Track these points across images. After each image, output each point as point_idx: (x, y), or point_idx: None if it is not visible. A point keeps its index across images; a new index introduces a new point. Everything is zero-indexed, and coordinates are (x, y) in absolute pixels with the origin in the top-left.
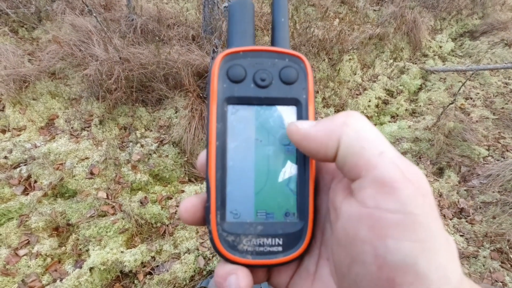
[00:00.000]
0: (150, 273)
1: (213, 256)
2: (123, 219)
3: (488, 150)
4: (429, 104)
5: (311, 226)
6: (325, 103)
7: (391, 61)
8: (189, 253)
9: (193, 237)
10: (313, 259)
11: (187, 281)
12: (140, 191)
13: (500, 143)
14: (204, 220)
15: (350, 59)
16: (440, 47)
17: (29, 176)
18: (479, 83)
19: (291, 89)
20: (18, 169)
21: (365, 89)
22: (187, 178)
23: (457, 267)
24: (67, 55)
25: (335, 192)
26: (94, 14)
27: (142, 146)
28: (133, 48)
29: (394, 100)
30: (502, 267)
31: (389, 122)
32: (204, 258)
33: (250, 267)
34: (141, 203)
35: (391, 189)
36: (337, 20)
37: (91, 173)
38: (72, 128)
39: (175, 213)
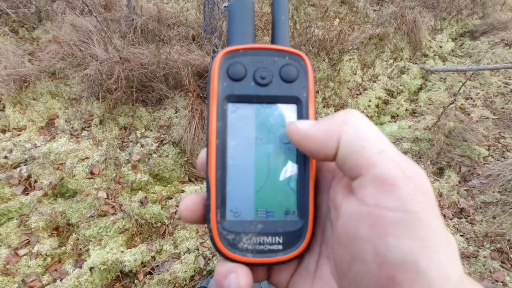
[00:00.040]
0: (150, 273)
1: (213, 256)
2: (123, 219)
3: (488, 150)
4: (429, 104)
5: (312, 225)
6: (325, 103)
7: (391, 61)
8: (189, 253)
9: (193, 237)
10: (314, 257)
11: (187, 281)
12: (140, 191)
13: (500, 143)
14: (204, 219)
15: (350, 59)
16: (440, 47)
17: (29, 176)
18: (479, 83)
19: (291, 87)
20: (18, 169)
21: (365, 89)
22: (187, 178)
23: (458, 265)
24: (67, 55)
25: (336, 191)
26: (94, 14)
27: (142, 146)
28: (133, 48)
29: (394, 100)
30: (502, 267)
31: (389, 122)
32: (204, 258)
33: (250, 265)
34: (141, 203)
35: (391, 187)
36: (337, 20)
37: (91, 173)
38: (72, 128)
39: (175, 213)
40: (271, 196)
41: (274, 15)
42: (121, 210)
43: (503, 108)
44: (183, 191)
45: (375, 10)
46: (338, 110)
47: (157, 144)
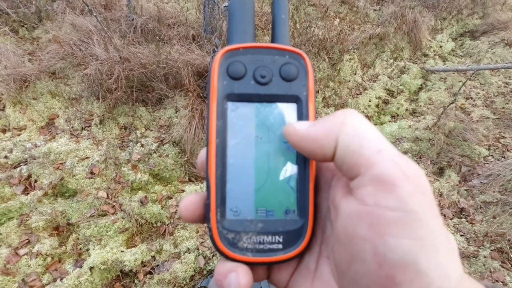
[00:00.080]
0: (150, 273)
1: (213, 256)
2: (123, 218)
3: (488, 149)
4: (430, 104)
5: (311, 224)
6: (325, 102)
7: (392, 60)
8: (189, 253)
9: (193, 236)
10: (314, 257)
11: (187, 281)
12: (140, 191)
13: (501, 143)
14: (204, 218)
15: (350, 58)
16: (441, 46)
17: (29, 176)
18: (479, 83)
19: (291, 86)
20: (18, 169)
21: (365, 89)
22: (187, 177)
23: (458, 265)
24: (67, 54)
25: (335, 190)
26: (95, 14)
27: (142, 145)
28: (133, 47)
29: (394, 100)
30: (503, 266)
31: (390, 122)
32: (204, 258)
33: (250, 264)
34: (141, 202)
35: (390, 186)
36: (338, 19)
37: (91, 173)
38: (72, 127)
39: (175, 212)
40: (271, 195)
41: (274, 14)
42: (121, 210)
43: (503, 108)
44: (183, 190)
45: (375, 10)
46: (338, 109)
47: (157, 143)
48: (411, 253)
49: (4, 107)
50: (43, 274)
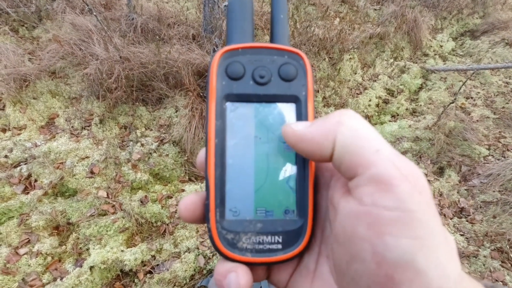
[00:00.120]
0: (150, 272)
1: (213, 255)
2: (124, 218)
3: (488, 149)
4: (430, 104)
5: (311, 224)
6: (325, 102)
7: (392, 60)
8: (189, 252)
9: (193, 236)
10: (313, 256)
11: (187, 280)
12: (140, 190)
13: (501, 143)
14: (203, 218)
15: (350, 58)
16: (441, 46)
17: (29, 175)
18: (479, 83)
19: (290, 86)
20: (18, 168)
21: (365, 89)
22: (187, 177)
23: (457, 264)
24: (67, 54)
25: (334, 190)
26: (94, 13)
27: (142, 145)
28: (134, 47)
29: (394, 100)
30: (503, 266)
31: (390, 121)
32: (204, 257)
33: (249, 265)
34: (141, 202)
35: (388, 186)
36: (338, 19)
37: (92, 172)
38: (72, 127)
39: (175, 212)
40: (271, 195)
41: (273, 14)
42: (121, 209)
43: (503, 107)
44: (183, 190)
45: (375, 10)
46: (338, 109)
47: (157, 143)
48: (410, 253)
49: (4, 106)
50: (43, 274)
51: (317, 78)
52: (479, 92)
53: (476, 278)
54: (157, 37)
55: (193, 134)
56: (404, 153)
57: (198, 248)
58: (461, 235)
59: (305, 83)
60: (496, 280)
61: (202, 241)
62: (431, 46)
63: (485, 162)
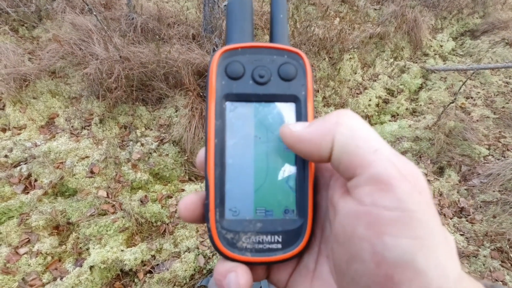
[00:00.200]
0: (150, 272)
1: (213, 255)
2: (123, 217)
3: (488, 149)
4: (430, 103)
5: (311, 223)
6: (325, 102)
7: (392, 60)
8: (189, 252)
9: (193, 236)
10: (313, 256)
11: (187, 280)
12: (140, 190)
13: (501, 142)
14: (203, 218)
15: (350, 58)
16: (441, 46)
17: (29, 175)
18: (479, 82)
19: (290, 86)
20: (18, 168)
21: (365, 88)
22: (187, 177)
23: (456, 264)
24: (67, 54)
25: (333, 190)
26: (94, 13)
27: (142, 145)
28: (133, 47)
29: (394, 99)
30: (502, 266)
31: (390, 121)
32: (204, 257)
33: (249, 264)
34: (141, 202)
35: (388, 186)
36: (338, 19)
37: (91, 172)
38: (72, 127)
39: (175, 212)
40: (270, 195)
41: (273, 14)
42: (121, 209)
43: (503, 107)
44: (183, 190)
45: (375, 9)
46: (338, 109)
47: (157, 143)
48: (410, 252)
49: (4, 106)
50: (43, 273)
51: (317, 78)
52: (479, 92)
53: (476, 278)
54: (157, 36)
55: (193, 134)
56: (404, 153)
57: (198, 248)
58: (461, 235)
59: (305, 83)
60: (496, 280)
61: (202, 241)
62: (431, 46)
63: (485, 162)
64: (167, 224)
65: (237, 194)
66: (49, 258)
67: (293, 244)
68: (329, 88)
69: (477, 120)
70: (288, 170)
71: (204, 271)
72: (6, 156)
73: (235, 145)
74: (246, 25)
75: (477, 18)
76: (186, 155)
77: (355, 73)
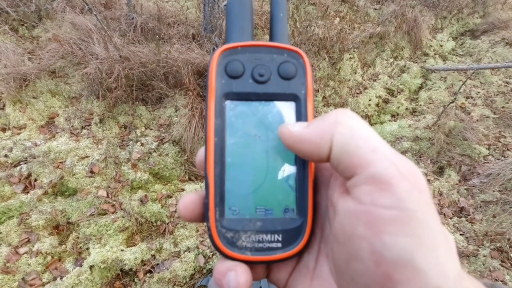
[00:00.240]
0: (150, 272)
1: (213, 255)
2: (123, 217)
3: (488, 149)
4: (430, 103)
5: (310, 222)
6: (325, 102)
7: (392, 60)
8: (189, 252)
9: (193, 235)
10: (313, 255)
11: (187, 280)
12: (140, 190)
13: (501, 142)
14: (203, 217)
15: (350, 58)
16: (441, 46)
17: (29, 175)
18: (479, 82)
19: (289, 85)
20: (18, 168)
21: (365, 88)
22: (187, 176)
23: (456, 263)
24: (67, 53)
25: (333, 189)
26: (94, 13)
27: (142, 144)
28: (133, 46)
29: (394, 99)
30: (502, 266)
31: (390, 121)
32: (204, 257)
33: (249, 263)
34: (141, 201)
35: (387, 185)
36: (338, 18)
37: (91, 172)
38: (72, 126)
39: (175, 211)
40: (270, 194)
41: (273, 12)
42: (121, 209)
43: (503, 107)
44: (183, 189)
45: (375, 9)
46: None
47: (157, 142)
48: (408, 251)
49: (4, 106)
50: (43, 273)
51: (317, 77)
52: (479, 92)
53: (476, 277)
54: (157, 36)
55: (193, 133)
56: (404, 152)
57: (198, 248)
58: (461, 234)
59: (305, 82)
60: (496, 280)
61: (202, 241)
62: (431, 46)
63: (485, 161)
64: (167, 224)
65: (237, 193)
66: (49, 257)
67: (293, 243)
68: (329, 88)
69: (477, 120)
70: (288, 169)
71: (204, 271)
72: (6, 155)
73: (235, 144)
74: (246, 24)
75: (477, 18)
76: (186, 155)
77: (355, 73)
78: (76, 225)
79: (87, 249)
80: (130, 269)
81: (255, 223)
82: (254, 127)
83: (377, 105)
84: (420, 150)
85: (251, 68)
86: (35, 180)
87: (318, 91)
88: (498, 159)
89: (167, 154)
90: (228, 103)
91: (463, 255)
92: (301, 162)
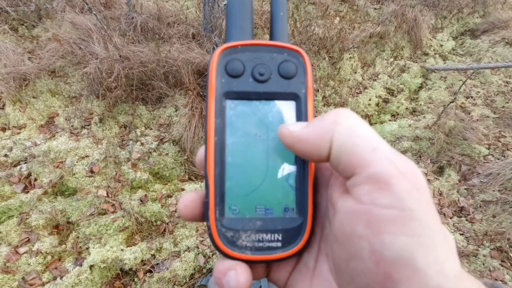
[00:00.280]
0: (150, 271)
1: (213, 254)
2: (123, 217)
3: (488, 149)
4: (430, 103)
5: (310, 222)
6: (325, 101)
7: (392, 59)
8: (189, 251)
9: (193, 235)
10: (312, 255)
11: (187, 279)
12: (140, 189)
13: (501, 142)
14: (203, 216)
15: (350, 57)
16: (441, 45)
17: (29, 174)
18: (479, 82)
19: (290, 84)
20: (18, 167)
21: (365, 88)
22: (187, 176)
23: (455, 262)
24: (67, 53)
25: (333, 189)
26: (94, 12)
27: (142, 144)
28: (133, 46)
29: (394, 99)
30: (502, 265)
31: (390, 120)
32: (204, 256)
33: (249, 262)
34: (141, 201)
35: (386, 185)
36: (338, 18)
37: (91, 171)
38: (72, 126)
39: (175, 211)
40: (270, 193)
41: (273, 11)
42: (121, 209)
43: (503, 107)
44: (183, 189)
45: (375, 9)
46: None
47: (157, 142)
48: (408, 250)
49: (4, 105)
50: (43, 273)
51: (317, 77)
52: (479, 92)
53: (476, 276)
54: (157, 36)
55: (193, 133)
56: (404, 152)
57: (198, 247)
58: (460, 234)
59: (305, 81)
60: (496, 279)
61: (202, 240)
62: (431, 45)
63: (485, 161)
64: (167, 224)
65: (237, 192)
66: (49, 257)
67: (293, 243)
68: (329, 88)
69: (477, 120)
70: (288, 168)
71: (204, 270)
72: (6, 155)
73: (235, 143)
74: (246, 23)
75: (477, 17)
76: (186, 155)
77: (355, 73)
78: (76, 225)
79: (87, 248)
80: (130, 269)
81: (255, 223)
82: (254, 126)
83: (377, 104)
84: (420, 150)
85: (251, 67)
86: (35, 179)
87: (318, 90)
88: (498, 159)
89: (167, 154)
90: (228, 102)
91: (463, 255)
92: (301, 162)
